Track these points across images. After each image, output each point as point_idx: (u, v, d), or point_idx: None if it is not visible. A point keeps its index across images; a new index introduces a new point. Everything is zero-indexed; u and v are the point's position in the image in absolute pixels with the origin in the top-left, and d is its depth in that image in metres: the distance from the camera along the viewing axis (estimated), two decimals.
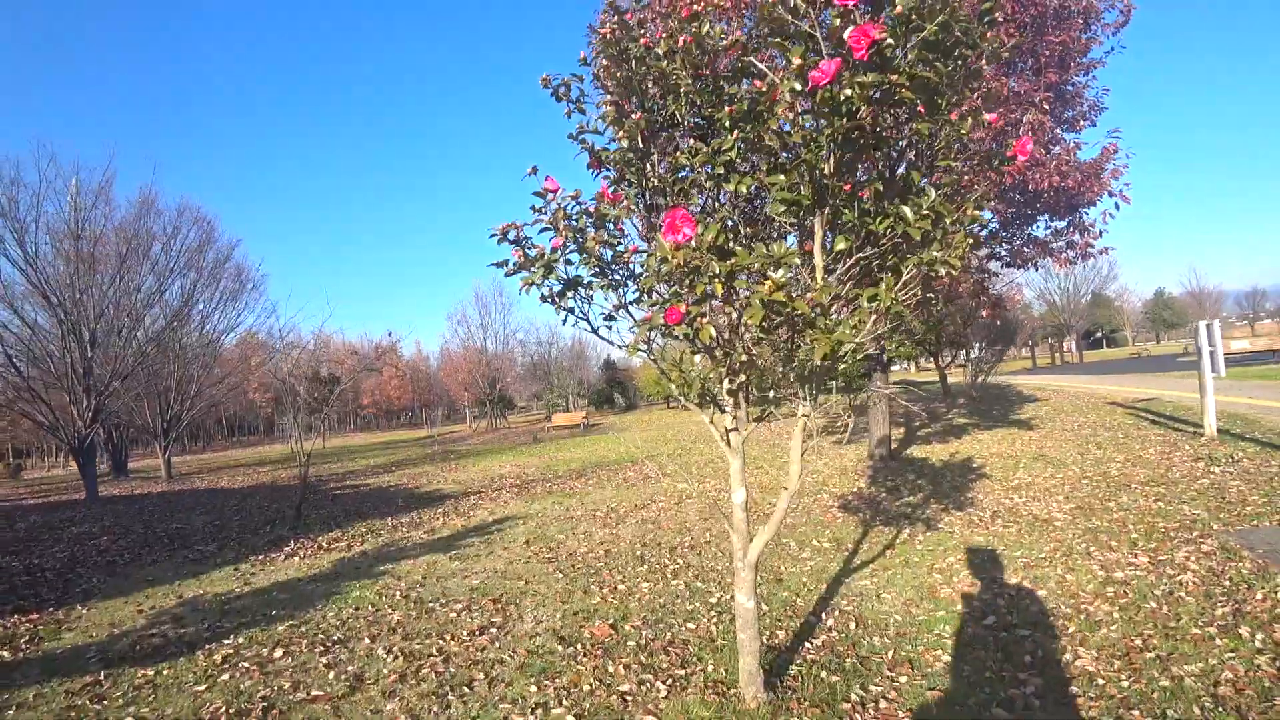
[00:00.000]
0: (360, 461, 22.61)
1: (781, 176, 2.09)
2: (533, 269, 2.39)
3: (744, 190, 2.26)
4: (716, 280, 1.87)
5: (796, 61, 1.90)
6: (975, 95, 2.45)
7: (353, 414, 65.72)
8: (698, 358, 2.12)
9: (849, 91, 1.83)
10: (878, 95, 1.90)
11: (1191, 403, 13.01)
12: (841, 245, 2.24)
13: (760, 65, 2.18)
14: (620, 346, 2.56)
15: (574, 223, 2.35)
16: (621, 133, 2.45)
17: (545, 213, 2.50)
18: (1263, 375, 17.31)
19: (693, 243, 1.87)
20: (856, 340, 2.00)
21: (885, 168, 2.31)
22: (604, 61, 2.54)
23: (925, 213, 2.01)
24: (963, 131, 2.17)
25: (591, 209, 2.40)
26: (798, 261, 1.96)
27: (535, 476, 13.21)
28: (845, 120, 1.90)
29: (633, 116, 2.43)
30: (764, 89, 2.02)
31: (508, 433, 32.41)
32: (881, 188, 2.15)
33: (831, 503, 7.96)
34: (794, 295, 1.92)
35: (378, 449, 30.23)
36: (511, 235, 2.42)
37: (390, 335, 39.91)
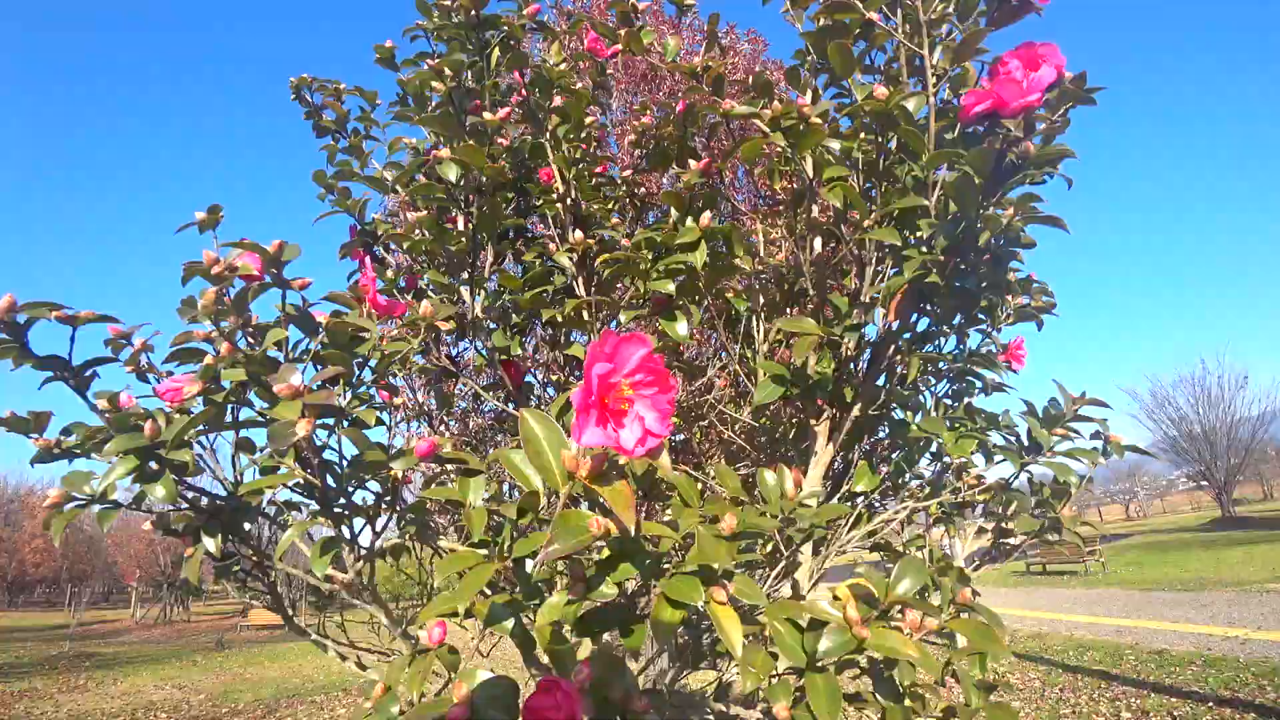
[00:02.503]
0: None
1: (811, 321, 0.91)
2: (115, 457, 0.83)
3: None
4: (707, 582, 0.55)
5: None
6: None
7: None
8: None
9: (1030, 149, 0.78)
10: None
11: None
12: (864, 484, 1.09)
13: (741, 109, 1.07)
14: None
15: (257, 347, 0.85)
16: (450, 151, 1.09)
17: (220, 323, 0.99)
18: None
19: (661, 456, 0.57)
20: None
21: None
22: (433, 63, 1.26)
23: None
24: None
25: (324, 321, 0.90)
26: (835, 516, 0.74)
27: (203, 712, 9.31)
28: (984, 215, 0.82)
29: (497, 116, 1.11)
30: (807, 116, 0.89)
31: (185, 629, 24.71)
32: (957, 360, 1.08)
33: None
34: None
35: None
36: (39, 343, 0.83)
37: None
